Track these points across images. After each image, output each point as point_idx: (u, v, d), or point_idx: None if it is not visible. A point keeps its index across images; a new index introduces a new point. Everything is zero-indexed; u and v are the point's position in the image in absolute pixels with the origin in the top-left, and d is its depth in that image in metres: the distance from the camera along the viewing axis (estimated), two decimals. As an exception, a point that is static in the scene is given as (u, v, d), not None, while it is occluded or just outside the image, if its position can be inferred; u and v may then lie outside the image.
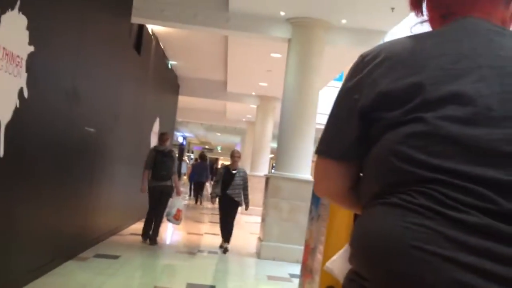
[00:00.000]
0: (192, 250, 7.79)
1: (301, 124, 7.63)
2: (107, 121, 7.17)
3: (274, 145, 9.31)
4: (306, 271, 2.09)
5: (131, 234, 8.49)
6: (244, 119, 20.04)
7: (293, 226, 7.40)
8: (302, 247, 7.50)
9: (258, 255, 7.58)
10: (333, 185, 1.17)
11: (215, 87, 14.73)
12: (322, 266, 1.69)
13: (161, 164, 7.62)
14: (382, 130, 1.00)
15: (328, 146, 1.13)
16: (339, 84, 14.61)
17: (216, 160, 37.62)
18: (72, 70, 5.45)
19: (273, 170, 8.23)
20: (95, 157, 6.78)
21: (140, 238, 7.93)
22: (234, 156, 7.78)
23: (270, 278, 6.43)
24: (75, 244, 6.12)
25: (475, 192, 0.87)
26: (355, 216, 1.56)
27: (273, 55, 10.04)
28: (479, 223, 0.85)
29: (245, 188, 7.72)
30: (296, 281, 6.24)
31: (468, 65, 0.97)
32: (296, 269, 6.85)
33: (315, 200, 2.14)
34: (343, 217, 1.69)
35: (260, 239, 7.73)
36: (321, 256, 1.77)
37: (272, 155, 16.92)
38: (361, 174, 1.11)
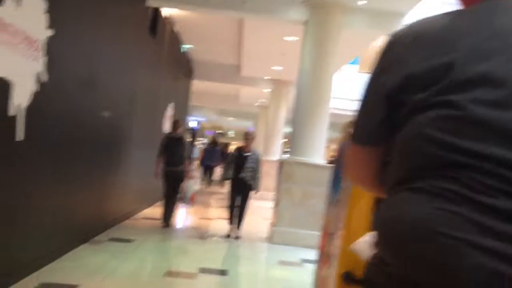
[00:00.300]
0: (204, 235, 7.80)
1: (315, 109, 7.56)
2: (122, 105, 7.17)
3: (287, 129, 9.26)
4: (324, 257, 2.06)
5: (145, 218, 8.53)
6: (256, 104, 19.97)
7: (305, 211, 7.38)
8: (315, 233, 7.45)
9: (270, 240, 7.57)
10: (362, 171, 1.16)
11: (228, 71, 14.67)
12: (341, 251, 1.67)
13: (172, 150, 7.67)
14: (410, 113, 0.97)
15: (357, 132, 1.12)
16: (353, 68, 14.47)
17: (228, 144, 37.78)
18: (88, 54, 5.43)
19: (286, 155, 8.19)
20: (110, 141, 6.79)
21: (156, 222, 7.99)
22: (248, 137, 7.65)
23: (282, 263, 6.43)
24: (89, 227, 6.16)
25: (505, 177, 0.85)
26: (377, 201, 1.53)
27: (287, 38, 9.94)
28: (508, 208, 0.83)
29: (258, 171, 7.59)
30: (308, 266, 6.24)
31: (499, 45, 0.93)
32: (308, 254, 6.86)
33: (336, 185, 2.10)
34: (364, 203, 1.65)
35: (272, 224, 7.72)
36: (339, 241, 1.74)
37: (285, 140, 16.87)
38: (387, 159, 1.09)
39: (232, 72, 14.63)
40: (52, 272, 4.67)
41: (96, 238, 6.26)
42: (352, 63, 12.10)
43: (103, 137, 6.43)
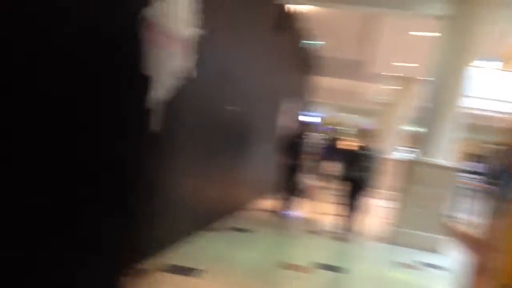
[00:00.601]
0: (319, 230, 7.76)
1: (447, 108, 7.17)
2: (248, 100, 7.36)
3: (409, 128, 8.86)
4: (481, 268, 1.91)
5: (260, 209, 8.68)
6: (378, 100, 19.46)
7: (429, 214, 7.07)
8: (438, 236, 7.04)
9: (388, 240, 7.35)
10: None
11: (352, 67, 14.43)
12: (501, 264, 1.54)
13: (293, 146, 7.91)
14: None
15: None
16: (494, 65, 13.41)
17: (343, 140, 37.12)
18: (224, 51, 5.64)
19: (409, 154, 7.88)
20: (235, 133, 7.00)
21: (272, 214, 8.15)
22: (365, 135, 7.51)
23: (402, 265, 6.20)
24: (210, 215, 6.40)
25: None
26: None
27: (417, 33, 9.53)
28: None
29: (374, 169, 7.29)
30: (432, 271, 5.97)
31: None
32: (430, 258, 6.55)
33: (503, 194, 1.94)
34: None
35: (392, 224, 7.48)
36: (499, 253, 1.60)
37: (408, 138, 16.24)
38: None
39: (355, 68, 14.38)
40: (177, 255, 4.93)
41: (216, 225, 6.48)
42: (492, 60, 11.28)
43: (230, 130, 6.65)
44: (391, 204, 7.81)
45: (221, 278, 4.56)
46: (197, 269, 4.61)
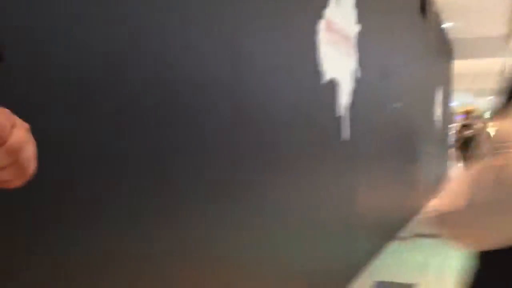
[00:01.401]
0: None
1: None
2: (407, 94, 6.84)
3: None
4: None
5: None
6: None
7: None
8: None
9: None
10: None
11: (494, 43, 13.20)
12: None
13: None
14: None
15: None
16: None
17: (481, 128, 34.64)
18: (377, 44, 5.22)
19: None
20: (403, 132, 6.50)
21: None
22: None
23: None
24: (393, 224, 5.94)
25: None
26: None
27: None
28: None
29: None
30: None
31: None
32: None
33: None
34: None
35: None
36: None
37: None
38: None
39: (498, 45, 13.13)
40: (378, 270, 4.53)
41: (400, 234, 6.00)
42: None
43: (397, 129, 6.16)
44: None
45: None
46: (407, 284, 4.17)
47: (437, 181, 8.78)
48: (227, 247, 2.11)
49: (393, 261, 4.94)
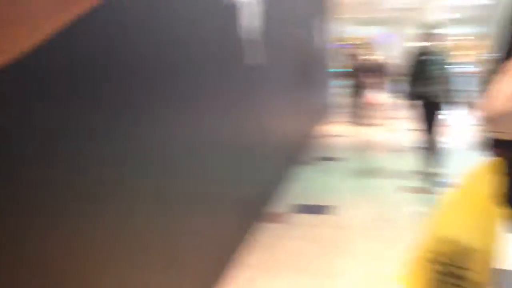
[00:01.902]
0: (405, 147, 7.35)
1: None
2: (289, 24, 6.78)
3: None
4: None
5: (327, 136, 8.30)
6: (400, 6, 18.58)
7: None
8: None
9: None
10: None
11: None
12: None
13: None
14: None
15: None
16: None
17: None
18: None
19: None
20: (299, 60, 6.47)
21: (344, 138, 7.79)
22: (428, 32, 5.13)
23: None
24: (300, 148, 6.03)
25: None
26: None
27: None
28: None
29: (450, 81, 5.07)
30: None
31: None
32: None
33: None
34: None
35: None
36: None
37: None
38: None
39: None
40: (296, 194, 4.61)
41: (302, 159, 6.11)
42: None
43: (296, 57, 6.13)
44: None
45: (356, 211, 4.22)
46: (327, 206, 4.28)
47: (325, 108, 9.06)
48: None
49: (305, 184, 5.05)
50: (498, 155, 1.14)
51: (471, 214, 1.07)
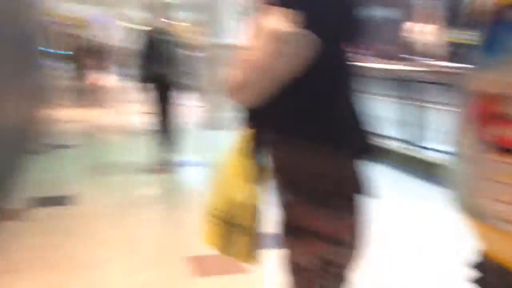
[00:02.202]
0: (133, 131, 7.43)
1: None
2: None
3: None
4: None
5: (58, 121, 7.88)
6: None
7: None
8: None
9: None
10: None
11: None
12: None
13: None
14: None
15: None
16: None
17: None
18: None
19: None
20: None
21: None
22: (158, 14, 5.19)
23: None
24: (29, 136, 5.57)
25: None
26: None
27: None
28: None
29: (181, 63, 5.21)
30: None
31: None
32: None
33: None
34: None
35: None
36: None
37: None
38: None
39: None
40: (33, 185, 4.30)
41: (33, 147, 5.66)
42: None
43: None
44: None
45: (98, 198, 4.12)
46: (67, 196, 4.07)
47: (46, 91, 8.51)
48: None
49: (40, 175, 4.72)
50: (249, 127, 1.40)
51: (238, 176, 1.39)
